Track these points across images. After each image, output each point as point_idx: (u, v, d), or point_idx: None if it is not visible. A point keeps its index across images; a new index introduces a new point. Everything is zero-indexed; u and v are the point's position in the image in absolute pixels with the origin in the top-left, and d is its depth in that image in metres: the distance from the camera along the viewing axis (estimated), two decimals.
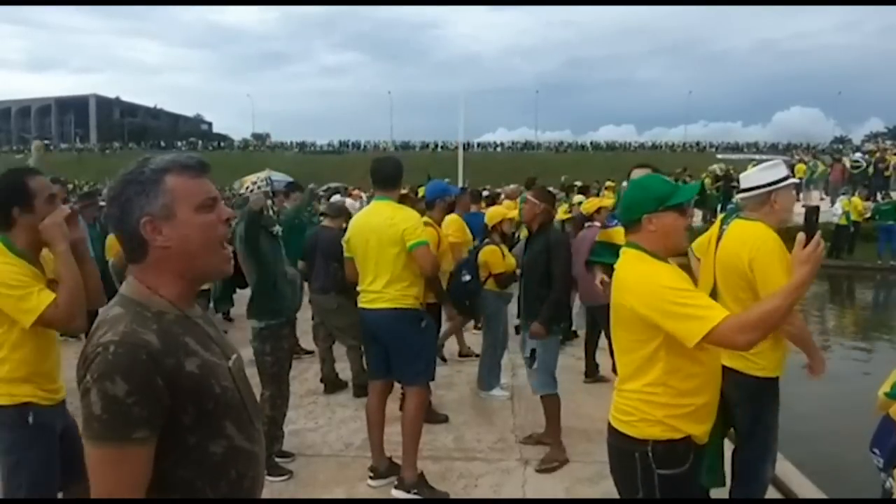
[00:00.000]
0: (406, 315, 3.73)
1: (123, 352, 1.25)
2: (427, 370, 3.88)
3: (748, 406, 3.02)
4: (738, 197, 3.24)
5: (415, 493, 3.80)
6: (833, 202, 18.47)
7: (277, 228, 4.43)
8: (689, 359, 2.15)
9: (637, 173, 3.86)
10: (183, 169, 1.40)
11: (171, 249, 1.37)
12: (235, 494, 1.41)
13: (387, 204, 3.79)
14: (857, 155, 25.95)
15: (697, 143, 66.01)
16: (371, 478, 4.03)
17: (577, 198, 8.87)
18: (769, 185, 3.06)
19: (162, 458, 1.29)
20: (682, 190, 2.32)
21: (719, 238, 3.14)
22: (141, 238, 1.36)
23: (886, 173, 21.96)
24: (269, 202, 4.35)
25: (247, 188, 4.39)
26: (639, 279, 2.20)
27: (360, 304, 3.90)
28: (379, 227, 3.72)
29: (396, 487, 3.86)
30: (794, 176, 3.34)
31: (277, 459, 4.22)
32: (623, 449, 2.28)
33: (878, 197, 18.46)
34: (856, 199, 16.69)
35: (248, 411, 1.46)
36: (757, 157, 43.16)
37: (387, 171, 3.85)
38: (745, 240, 2.95)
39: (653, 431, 2.20)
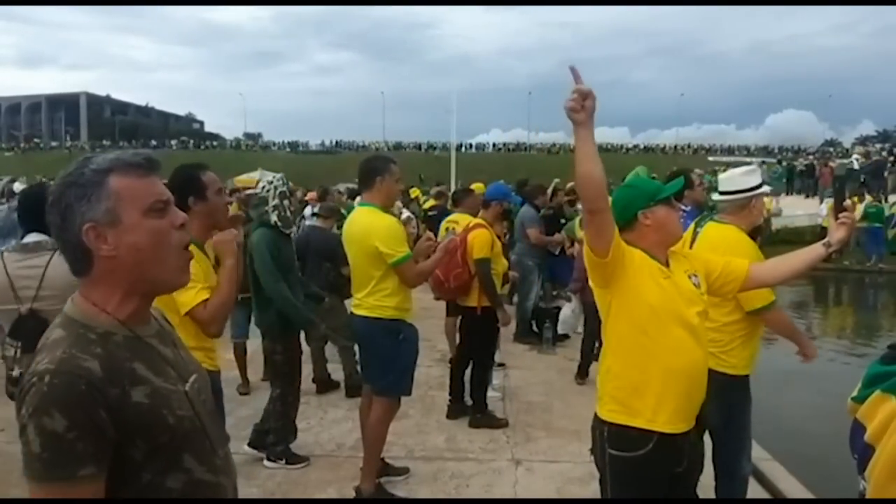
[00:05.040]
0: (379, 325, 3.68)
1: (59, 382, 1.12)
2: (397, 383, 3.78)
3: (719, 404, 3.04)
4: (717, 198, 3.27)
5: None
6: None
7: (293, 230, 4.44)
8: (632, 340, 2.29)
9: None
10: (128, 168, 1.24)
11: (118, 259, 1.22)
12: None
13: (365, 212, 3.73)
14: (854, 157, 26.19)
15: (689, 145, 66.36)
16: None
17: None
18: (751, 189, 3.17)
19: (115, 496, 1.18)
20: (668, 185, 2.51)
21: (693, 240, 3.18)
22: (84, 247, 1.21)
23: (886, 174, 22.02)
24: (286, 202, 4.32)
25: (263, 187, 4.40)
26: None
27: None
28: (357, 239, 3.69)
29: (354, 498, 3.82)
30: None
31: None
32: (592, 426, 2.44)
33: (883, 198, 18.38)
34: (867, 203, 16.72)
35: (210, 439, 1.33)
36: (749, 159, 43.46)
37: (361, 171, 3.80)
38: (718, 244, 3.01)
39: (604, 412, 2.34)
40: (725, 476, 3.18)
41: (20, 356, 2.93)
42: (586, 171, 2.05)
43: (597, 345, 6.03)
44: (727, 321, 3.02)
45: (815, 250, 2.48)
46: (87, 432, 1.12)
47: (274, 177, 4.41)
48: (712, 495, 3.24)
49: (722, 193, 3.23)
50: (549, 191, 9.12)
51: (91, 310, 1.24)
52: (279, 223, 4.21)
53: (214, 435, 1.35)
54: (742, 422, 3.13)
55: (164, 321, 1.44)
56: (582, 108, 1.99)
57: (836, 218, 2.48)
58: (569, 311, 5.94)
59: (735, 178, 3.23)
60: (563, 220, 8.25)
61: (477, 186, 8.78)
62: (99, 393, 1.14)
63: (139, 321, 1.29)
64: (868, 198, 17.23)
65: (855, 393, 1.76)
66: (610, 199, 2.24)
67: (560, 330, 6.11)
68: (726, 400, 3.06)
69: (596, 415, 2.39)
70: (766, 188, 3.29)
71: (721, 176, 3.39)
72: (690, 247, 3.14)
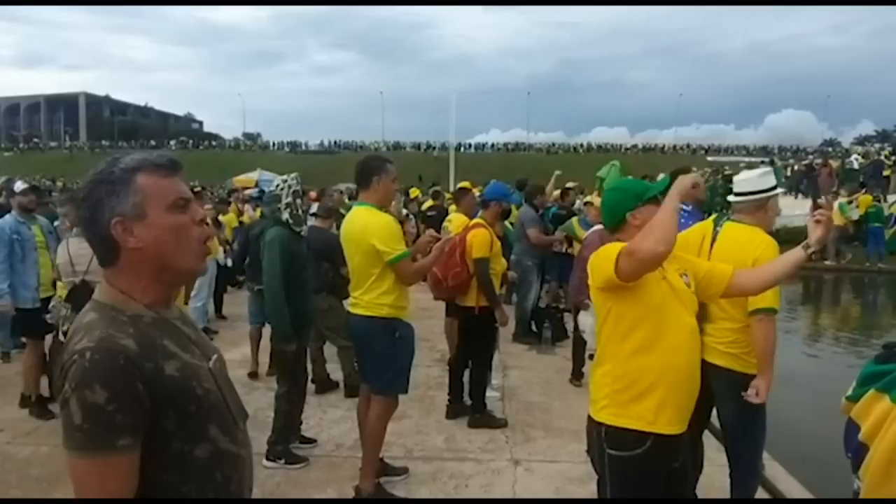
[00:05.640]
0: (375, 324, 3.69)
1: (100, 358, 1.21)
2: (395, 382, 3.79)
3: (740, 403, 3.06)
4: (734, 199, 3.27)
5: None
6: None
7: (305, 228, 4.53)
8: (634, 343, 2.28)
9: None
10: (154, 168, 1.36)
11: (144, 251, 1.32)
12: (222, 498, 1.38)
13: (362, 211, 3.74)
14: (854, 157, 26.23)
15: (688, 145, 66.43)
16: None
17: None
18: (767, 190, 3.17)
19: (146, 464, 1.26)
20: (654, 185, 2.54)
21: (713, 239, 3.17)
22: (112, 240, 1.32)
23: (885, 173, 21.99)
24: (299, 201, 4.38)
25: (277, 185, 4.46)
26: (596, 259, 2.35)
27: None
28: (354, 238, 3.71)
29: (354, 497, 3.82)
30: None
31: (300, 445, 4.48)
32: (588, 429, 2.44)
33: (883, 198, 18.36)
34: (841, 201, 16.72)
35: (232, 413, 1.44)
36: (747, 159, 43.54)
37: (358, 171, 3.82)
38: (745, 243, 3.01)
39: (603, 415, 2.33)
40: (743, 474, 3.19)
41: (69, 314, 4.16)
42: (672, 235, 2.13)
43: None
44: (749, 321, 3.02)
45: (795, 253, 2.47)
46: (126, 404, 1.21)
47: (288, 176, 4.46)
48: (716, 494, 3.25)
49: (738, 195, 3.22)
50: (559, 191, 9.14)
51: (119, 296, 1.34)
52: (291, 220, 4.29)
53: (235, 409, 1.45)
54: (761, 421, 3.15)
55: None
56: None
57: (813, 216, 2.48)
58: (591, 319, 5.84)
59: (752, 180, 3.23)
60: None
61: (463, 184, 8.80)
62: (136, 367, 1.23)
63: (163, 306, 1.39)
64: (843, 197, 17.21)
65: (849, 392, 1.76)
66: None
67: (589, 342, 6.03)
68: (748, 400, 3.07)
69: (591, 417, 2.39)
70: (780, 189, 3.27)
71: (737, 177, 3.40)
72: (711, 246, 3.14)
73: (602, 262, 2.26)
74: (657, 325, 2.26)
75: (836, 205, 15.88)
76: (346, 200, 9.54)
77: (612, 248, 2.25)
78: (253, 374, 6.15)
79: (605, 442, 2.31)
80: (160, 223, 1.33)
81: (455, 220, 5.92)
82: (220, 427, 1.37)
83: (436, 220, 9.78)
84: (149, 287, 1.35)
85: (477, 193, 7.35)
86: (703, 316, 3.08)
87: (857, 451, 1.63)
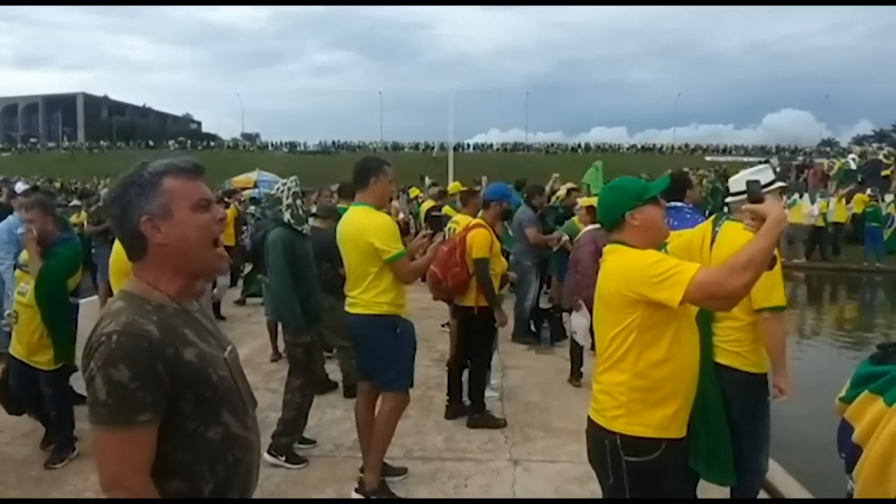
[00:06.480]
0: (376, 321, 3.70)
1: (126, 340, 1.33)
2: (400, 377, 3.81)
3: (743, 402, 3.08)
4: (728, 200, 3.27)
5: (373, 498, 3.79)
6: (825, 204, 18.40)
7: (306, 227, 4.60)
8: (654, 353, 2.22)
9: None
10: (179, 172, 1.49)
11: (169, 247, 1.45)
12: (232, 478, 1.49)
13: (360, 211, 3.77)
14: (851, 156, 26.29)
15: (687, 145, 66.50)
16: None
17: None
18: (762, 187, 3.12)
19: (163, 444, 1.37)
20: (654, 184, 2.47)
21: (713, 240, 3.16)
22: (141, 236, 1.44)
23: (884, 173, 21.98)
24: (299, 202, 4.46)
25: (277, 188, 4.59)
26: (626, 263, 2.26)
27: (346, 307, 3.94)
28: (352, 237, 3.74)
29: (357, 490, 3.83)
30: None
31: (300, 445, 4.47)
32: (595, 436, 2.37)
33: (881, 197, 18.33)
34: (835, 200, 16.71)
35: (244, 400, 1.55)
36: (745, 159, 43.61)
37: (356, 172, 3.85)
38: (743, 242, 2.98)
39: (617, 425, 2.27)
40: (746, 473, 3.20)
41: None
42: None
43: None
44: (752, 320, 3.02)
45: None
46: (148, 383, 1.33)
47: (288, 179, 4.59)
48: (717, 494, 3.25)
49: (733, 194, 3.22)
50: (564, 191, 9.14)
51: (146, 287, 1.47)
52: (292, 220, 4.37)
53: (246, 396, 1.58)
54: (765, 419, 3.16)
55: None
56: None
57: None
58: (584, 320, 5.81)
59: (741, 179, 3.21)
60: None
61: (454, 186, 8.75)
62: (158, 351, 1.35)
63: (185, 298, 1.52)
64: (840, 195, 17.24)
65: (843, 393, 1.77)
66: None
67: (581, 341, 5.98)
68: (752, 398, 3.09)
69: (600, 426, 2.33)
70: (776, 185, 3.20)
71: (731, 178, 3.39)
72: (711, 246, 3.14)
73: (651, 280, 2.11)
74: (676, 333, 2.22)
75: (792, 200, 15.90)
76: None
77: (670, 267, 2.10)
78: (274, 360, 6.58)
79: (622, 449, 2.26)
80: (185, 222, 1.46)
81: (462, 222, 5.90)
82: (232, 412, 1.49)
83: (439, 219, 9.75)
84: (172, 280, 1.48)
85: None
86: (709, 316, 3.08)
87: (850, 452, 1.63)
